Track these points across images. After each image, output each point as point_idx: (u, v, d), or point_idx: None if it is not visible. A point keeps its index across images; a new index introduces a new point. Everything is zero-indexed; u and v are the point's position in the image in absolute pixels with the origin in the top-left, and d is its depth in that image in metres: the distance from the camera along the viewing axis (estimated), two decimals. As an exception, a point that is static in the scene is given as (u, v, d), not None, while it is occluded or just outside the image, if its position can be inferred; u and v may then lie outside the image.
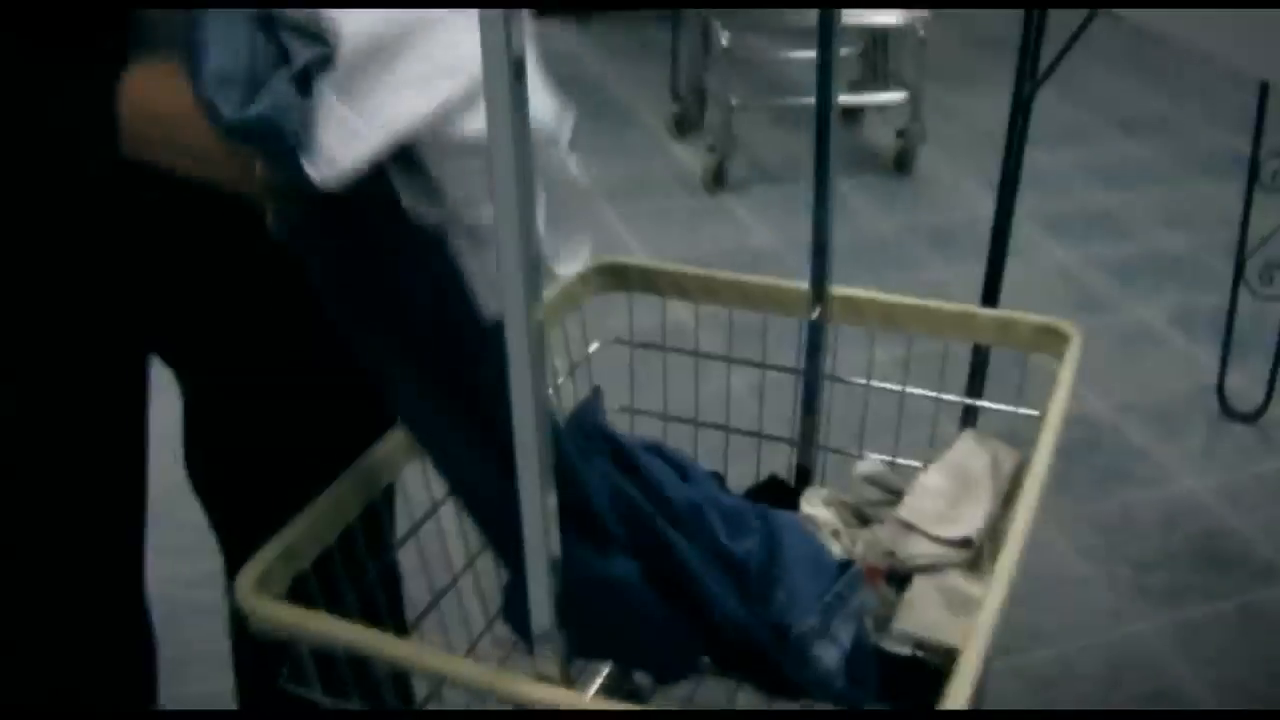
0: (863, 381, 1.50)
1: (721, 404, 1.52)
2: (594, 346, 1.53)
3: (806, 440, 1.51)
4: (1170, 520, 2.42)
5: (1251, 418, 2.69)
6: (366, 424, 1.31)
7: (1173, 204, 3.72)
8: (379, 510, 1.23)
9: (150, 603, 1.34)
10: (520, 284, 0.78)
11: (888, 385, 1.49)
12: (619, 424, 1.35)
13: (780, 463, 1.54)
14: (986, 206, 3.80)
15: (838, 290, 1.45)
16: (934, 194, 3.75)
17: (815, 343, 1.47)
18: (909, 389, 1.49)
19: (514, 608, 1.20)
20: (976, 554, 1.35)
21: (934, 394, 1.49)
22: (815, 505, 1.46)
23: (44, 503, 1.20)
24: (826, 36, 1.36)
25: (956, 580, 1.34)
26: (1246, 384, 2.75)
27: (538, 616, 0.93)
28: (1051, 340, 1.43)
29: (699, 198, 3.72)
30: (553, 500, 0.88)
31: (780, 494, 1.51)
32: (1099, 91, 4.24)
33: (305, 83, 0.87)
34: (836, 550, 1.41)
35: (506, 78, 0.73)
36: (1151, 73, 4.57)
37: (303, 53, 0.87)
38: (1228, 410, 2.71)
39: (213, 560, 1.42)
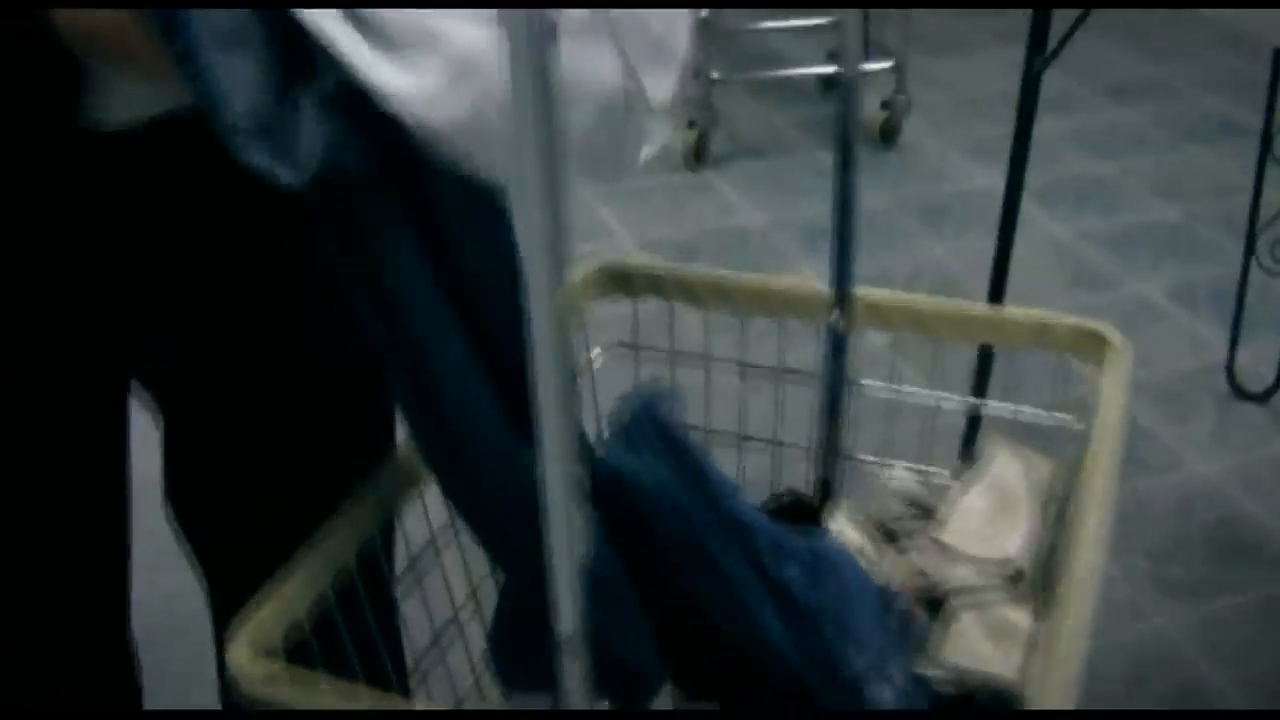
0: (888, 388, 1.41)
1: (732, 412, 1.43)
2: (596, 353, 1.44)
3: (828, 451, 1.42)
4: (1185, 507, 2.34)
5: (1262, 397, 2.61)
6: (358, 447, 1.24)
7: (1165, 173, 3.63)
8: (376, 550, 1.14)
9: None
10: (544, 274, 0.69)
11: (916, 391, 1.40)
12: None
13: (796, 474, 1.44)
14: (977, 178, 3.74)
15: (861, 293, 1.35)
16: (921, 166, 3.66)
17: (837, 348, 1.37)
18: (939, 394, 1.40)
19: (503, 633, 1.11)
20: (1020, 577, 1.26)
21: (967, 400, 1.40)
22: (841, 522, 1.37)
23: (17, 527, 1.12)
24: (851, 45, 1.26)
25: (999, 606, 1.25)
26: (1254, 362, 2.66)
27: (562, 620, 0.82)
28: (1091, 345, 1.33)
29: (680, 175, 3.62)
30: (580, 490, 0.78)
31: (801, 509, 1.42)
32: (1085, 57, 4.15)
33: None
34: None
35: (531, 82, 0.63)
36: (1137, 37, 4.48)
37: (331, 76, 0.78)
38: (1237, 390, 2.63)
39: (188, 571, 1.34)
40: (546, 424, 0.75)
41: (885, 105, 3.71)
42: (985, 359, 2.11)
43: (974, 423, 2.06)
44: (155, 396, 1.23)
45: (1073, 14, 2.01)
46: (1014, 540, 1.26)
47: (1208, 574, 2.20)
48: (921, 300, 1.36)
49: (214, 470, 1.28)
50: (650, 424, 1.12)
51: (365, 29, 0.78)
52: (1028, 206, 3.40)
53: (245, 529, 1.28)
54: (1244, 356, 2.65)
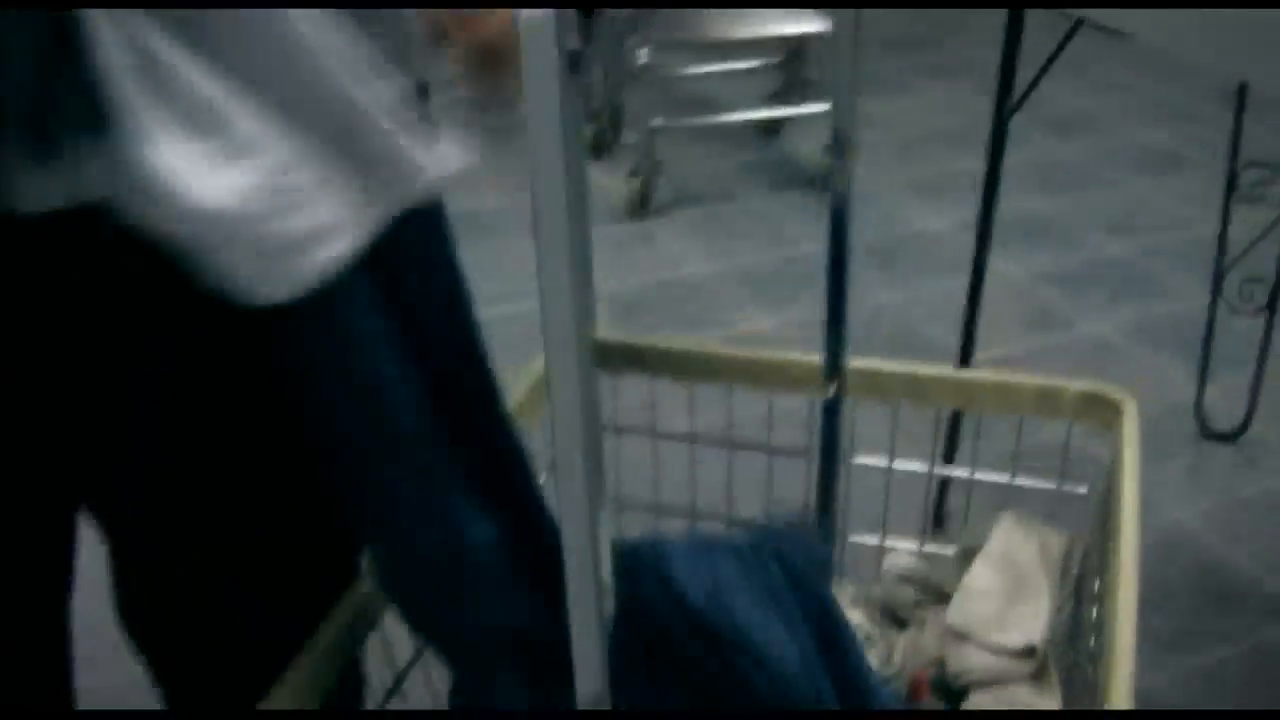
0: (884, 464, 1.34)
1: (718, 492, 1.35)
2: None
3: (824, 531, 1.34)
4: (1166, 555, 2.28)
5: (1231, 437, 2.56)
6: (317, 554, 1.17)
7: (1113, 208, 3.60)
8: (356, 671, 1.06)
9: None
10: (568, 326, 0.61)
11: (913, 466, 1.33)
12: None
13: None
14: (923, 219, 3.70)
15: (855, 363, 1.28)
16: (866, 209, 3.59)
17: (832, 423, 1.30)
18: (939, 470, 1.33)
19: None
20: (1041, 663, 1.19)
21: (969, 474, 1.33)
22: (846, 608, 1.29)
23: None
24: (846, 119, 1.19)
25: (1021, 694, 1.18)
26: (1219, 400, 2.62)
27: (584, 681, 0.73)
28: (1099, 409, 1.27)
29: (622, 225, 3.54)
30: (605, 538, 0.70)
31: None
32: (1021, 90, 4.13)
33: None
34: (873, 660, 1.24)
35: (555, 88, 0.56)
36: (1073, 70, 4.46)
37: None
38: (1207, 431, 2.58)
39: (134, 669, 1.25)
40: (567, 479, 0.67)
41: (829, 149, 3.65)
42: (955, 422, 2.04)
43: (944, 486, 2.00)
44: (102, 518, 1.14)
45: (1030, 54, 1.96)
46: (1034, 625, 1.19)
47: (1195, 624, 2.13)
48: (920, 369, 1.29)
49: (166, 587, 1.19)
50: (799, 576, 1.01)
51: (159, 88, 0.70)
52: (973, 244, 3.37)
53: (202, 646, 1.20)
54: (1209, 395, 2.60)
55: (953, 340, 2.58)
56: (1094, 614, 1.17)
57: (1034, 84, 1.91)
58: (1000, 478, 1.33)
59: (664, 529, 1.35)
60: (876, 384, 1.29)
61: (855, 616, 1.28)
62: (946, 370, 1.28)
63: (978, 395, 1.28)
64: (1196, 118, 4.17)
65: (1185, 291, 3.11)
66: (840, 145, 1.18)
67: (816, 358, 1.28)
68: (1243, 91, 2.26)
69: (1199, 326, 2.57)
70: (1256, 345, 2.51)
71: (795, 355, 1.31)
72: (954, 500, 1.97)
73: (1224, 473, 2.50)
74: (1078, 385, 1.27)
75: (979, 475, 1.33)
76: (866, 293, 3.10)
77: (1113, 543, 1.09)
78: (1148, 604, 2.11)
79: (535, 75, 0.55)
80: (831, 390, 1.28)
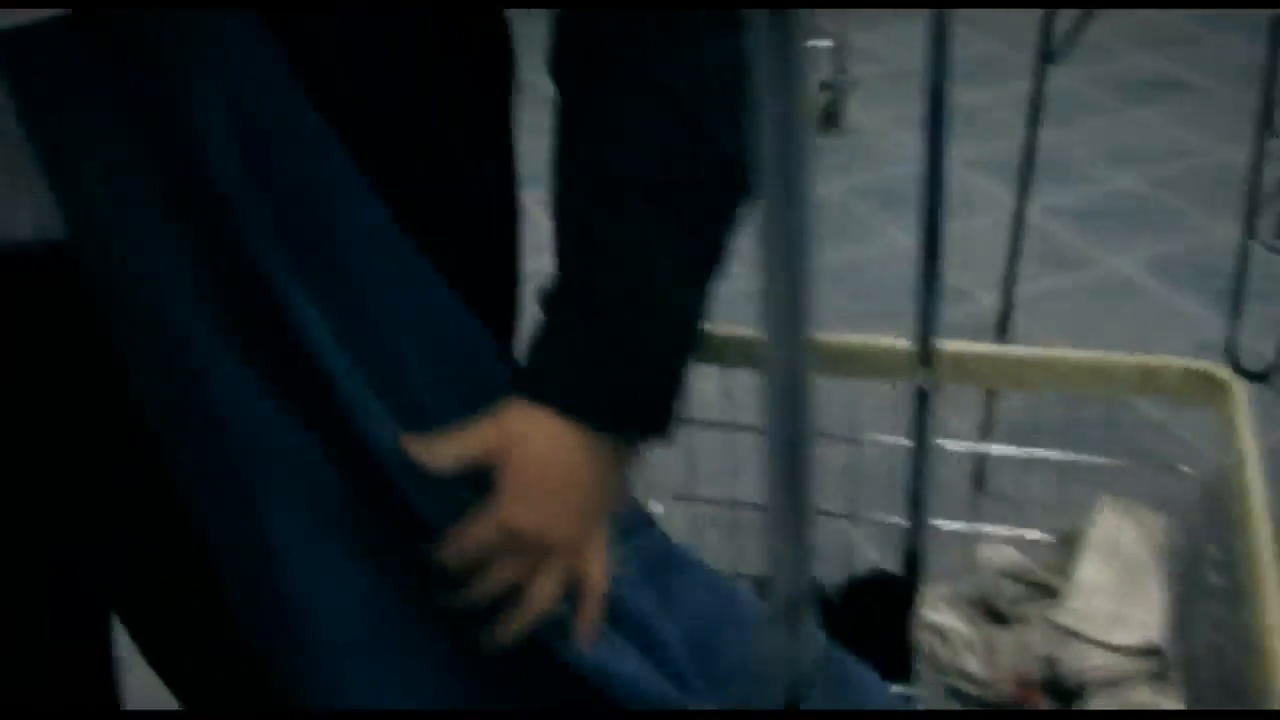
0: (972, 448, 1.28)
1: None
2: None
3: (916, 523, 1.28)
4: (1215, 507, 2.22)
5: (1263, 376, 2.50)
6: None
7: (1115, 138, 3.53)
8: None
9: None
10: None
11: (1011, 450, 1.27)
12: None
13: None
14: (922, 156, 3.59)
15: (948, 347, 1.21)
16: (870, 148, 3.52)
17: (923, 410, 1.23)
18: (1036, 452, 1.27)
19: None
20: (1165, 663, 1.13)
21: (1068, 456, 1.27)
22: (941, 610, 1.23)
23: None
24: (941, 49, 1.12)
25: (1142, 695, 1.12)
26: (1245, 338, 2.55)
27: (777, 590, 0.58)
28: (1203, 388, 1.22)
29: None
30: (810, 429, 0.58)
31: (887, 591, 1.28)
32: (1010, 18, 4.05)
33: None
34: (974, 666, 1.18)
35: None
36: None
37: None
38: (1239, 370, 2.52)
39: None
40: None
41: (826, 87, 3.57)
42: (989, 406, 1.98)
43: (981, 463, 1.95)
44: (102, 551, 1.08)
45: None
46: (1152, 622, 1.13)
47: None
48: (1015, 351, 1.23)
49: (178, 607, 1.13)
50: None
51: None
52: (985, 184, 3.30)
53: (224, 666, 1.14)
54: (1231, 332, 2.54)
55: (966, 282, 2.52)
56: (1216, 610, 1.11)
57: (1076, 29, 1.83)
58: (1096, 460, 1.27)
59: (740, 521, 1.29)
60: (966, 368, 1.22)
61: (949, 619, 1.22)
62: (1041, 351, 1.21)
63: (1075, 377, 1.21)
64: (1189, 40, 4.09)
65: (1199, 224, 3.05)
66: (934, 122, 1.11)
67: (900, 341, 1.22)
68: (1278, 22, 2.19)
69: (1217, 260, 2.51)
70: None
71: (879, 340, 1.24)
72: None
73: (1263, 414, 2.44)
74: (1179, 363, 1.21)
75: (1074, 458, 1.27)
76: (875, 237, 3.04)
77: (1244, 538, 1.04)
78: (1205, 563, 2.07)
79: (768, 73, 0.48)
80: (924, 376, 1.21)
